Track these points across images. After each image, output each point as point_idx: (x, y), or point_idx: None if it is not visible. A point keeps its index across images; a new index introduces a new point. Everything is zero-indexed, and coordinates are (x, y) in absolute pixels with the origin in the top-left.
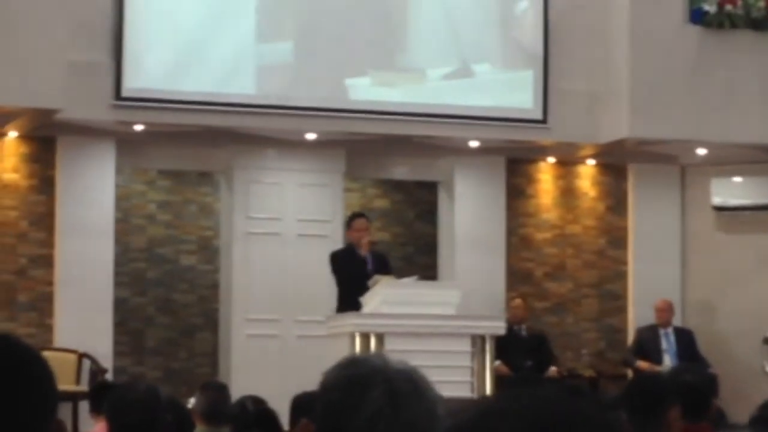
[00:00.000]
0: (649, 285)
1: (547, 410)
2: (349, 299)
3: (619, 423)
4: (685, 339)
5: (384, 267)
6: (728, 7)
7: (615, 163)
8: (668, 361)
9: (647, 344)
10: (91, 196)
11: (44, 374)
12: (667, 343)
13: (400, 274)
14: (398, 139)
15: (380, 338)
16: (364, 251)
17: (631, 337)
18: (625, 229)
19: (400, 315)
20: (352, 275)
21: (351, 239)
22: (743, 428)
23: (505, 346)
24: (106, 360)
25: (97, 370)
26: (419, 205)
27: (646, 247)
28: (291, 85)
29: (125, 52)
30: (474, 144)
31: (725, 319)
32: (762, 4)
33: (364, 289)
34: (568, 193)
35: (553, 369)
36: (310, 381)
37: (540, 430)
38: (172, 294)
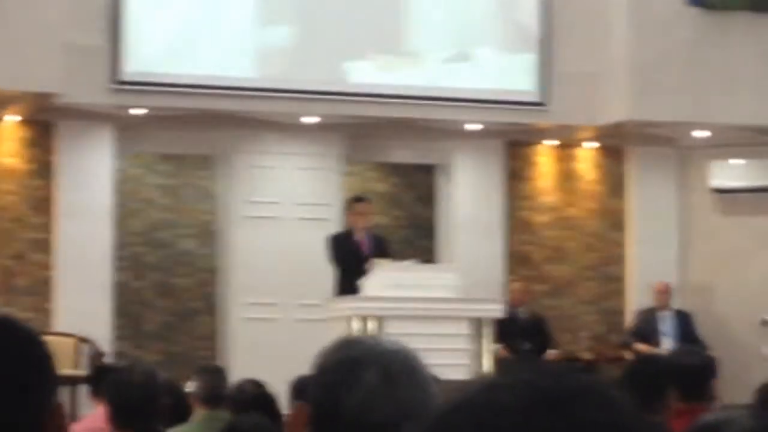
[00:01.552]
0: (647, 267)
1: (554, 383)
2: (347, 283)
3: (627, 401)
4: (684, 321)
5: (383, 250)
6: None
7: (614, 145)
8: (667, 344)
9: (646, 327)
10: (90, 181)
11: (43, 356)
12: (666, 325)
13: (399, 257)
14: (397, 122)
15: (379, 321)
16: (358, 235)
17: (629, 320)
18: (624, 212)
19: (399, 298)
20: (348, 259)
21: (350, 222)
22: (741, 409)
23: (504, 329)
24: (105, 344)
25: (96, 354)
26: (418, 189)
27: (645, 229)
28: (290, 69)
29: (124, 35)
30: (473, 127)
31: (724, 302)
32: None
33: (361, 272)
34: (567, 176)
35: (552, 352)
36: (309, 365)
37: (546, 402)
38: (171, 278)
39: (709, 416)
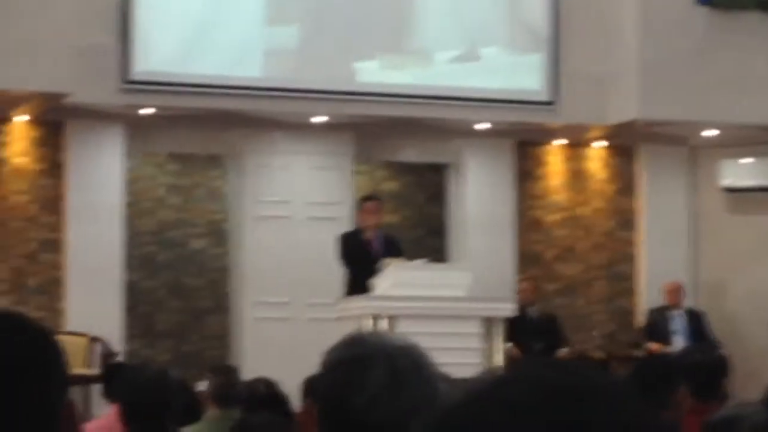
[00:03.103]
0: (658, 266)
1: (562, 378)
2: (357, 282)
3: (637, 398)
4: (696, 320)
5: (394, 250)
6: None
7: (624, 144)
8: (679, 343)
9: (658, 326)
10: (101, 180)
11: (55, 354)
12: (678, 324)
13: (410, 256)
14: (407, 121)
15: (390, 320)
16: (369, 234)
17: (640, 319)
18: (634, 211)
19: (410, 297)
20: (358, 258)
21: (360, 221)
22: (754, 404)
23: (515, 329)
24: (117, 344)
25: (107, 354)
26: (429, 188)
27: (655, 228)
28: (299, 68)
29: (134, 35)
30: (483, 126)
31: (736, 300)
32: None
33: (372, 271)
34: (577, 175)
35: (563, 351)
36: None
37: (554, 398)
38: (182, 277)
39: (722, 412)
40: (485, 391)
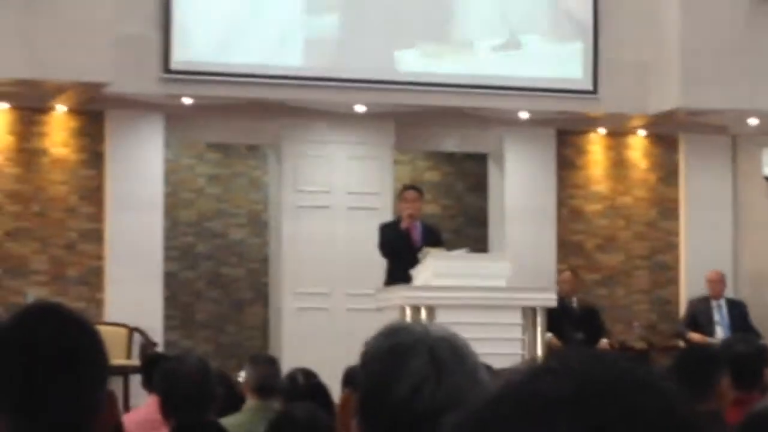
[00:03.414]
0: (700, 256)
1: (602, 370)
2: (398, 272)
3: (677, 390)
4: (738, 310)
5: (434, 240)
6: None
7: (666, 133)
8: (720, 333)
9: (699, 316)
10: (140, 170)
11: (95, 344)
12: (720, 314)
13: (450, 246)
14: (447, 110)
15: (430, 311)
16: (404, 223)
17: (682, 309)
18: (676, 200)
19: (451, 287)
20: (394, 247)
21: (401, 211)
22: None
23: (556, 319)
24: (157, 334)
25: (147, 344)
26: (469, 177)
27: (697, 218)
28: (339, 57)
29: (173, 25)
30: (524, 115)
31: None
32: None
33: (409, 261)
34: (618, 165)
35: (604, 341)
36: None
37: (594, 390)
38: (221, 268)
39: (764, 402)
40: (522, 384)
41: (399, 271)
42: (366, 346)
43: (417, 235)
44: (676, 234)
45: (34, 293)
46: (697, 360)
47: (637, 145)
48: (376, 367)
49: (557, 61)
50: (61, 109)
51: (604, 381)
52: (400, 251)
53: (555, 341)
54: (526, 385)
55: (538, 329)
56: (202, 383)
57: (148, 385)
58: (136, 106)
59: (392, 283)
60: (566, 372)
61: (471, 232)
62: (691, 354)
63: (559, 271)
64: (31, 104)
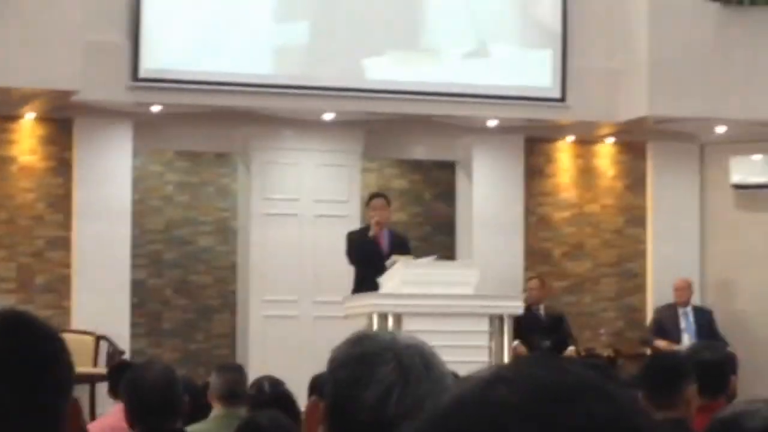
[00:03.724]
0: (667, 264)
1: (554, 377)
2: (366, 280)
3: (630, 397)
4: (705, 318)
5: (403, 247)
6: None
7: (634, 141)
8: (687, 341)
9: (666, 323)
10: (109, 178)
11: (60, 351)
12: (686, 322)
13: (418, 254)
14: (416, 118)
15: (398, 318)
16: (372, 231)
17: (649, 317)
18: (643, 208)
19: (418, 295)
20: (363, 255)
21: (369, 219)
22: (761, 401)
23: (523, 327)
24: (124, 342)
25: (114, 352)
26: (437, 185)
27: (665, 225)
28: (308, 65)
29: (142, 32)
30: (492, 123)
31: (744, 298)
32: None
33: (377, 269)
34: (586, 172)
35: (571, 349)
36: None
37: (546, 397)
38: (189, 275)
39: (729, 408)
40: (475, 391)
41: (367, 279)
42: (333, 353)
43: (385, 242)
44: (644, 242)
45: (0, 301)
46: (663, 368)
47: (605, 153)
48: (344, 375)
49: (526, 69)
50: (29, 116)
51: (556, 388)
52: (368, 259)
53: (522, 349)
54: (478, 393)
55: (505, 337)
56: (168, 391)
57: (115, 392)
58: (104, 113)
59: (361, 291)
60: (518, 380)
61: (439, 239)
62: (657, 362)
63: (527, 279)
64: None
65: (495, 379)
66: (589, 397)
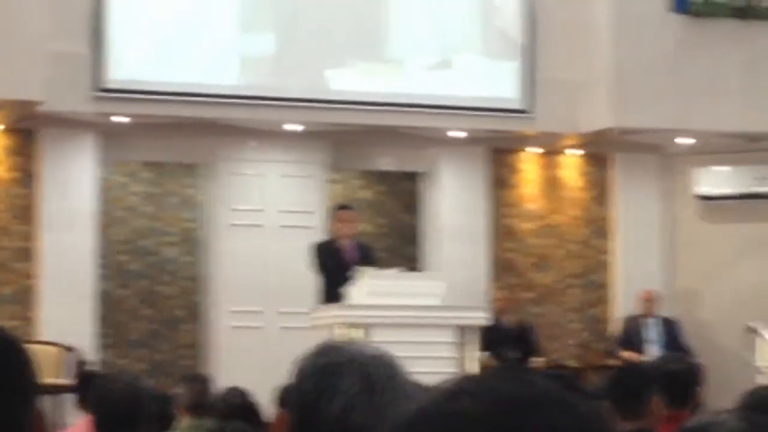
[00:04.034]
0: (633, 275)
1: (515, 389)
2: (331, 291)
3: (593, 409)
4: (671, 329)
5: (368, 258)
6: None
7: (598, 152)
8: (653, 351)
9: (632, 334)
10: (73, 189)
11: (23, 361)
12: (653, 332)
13: (384, 265)
14: (381, 129)
15: (364, 329)
16: (344, 243)
17: (615, 328)
18: (609, 219)
19: (384, 306)
20: (332, 267)
21: (334, 230)
22: (728, 412)
23: (490, 338)
24: (90, 353)
25: (80, 363)
26: (403, 196)
27: (630, 236)
28: (273, 76)
29: (106, 42)
30: (457, 134)
31: (710, 309)
32: None
33: (345, 280)
34: (551, 183)
35: (538, 360)
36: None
37: (508, 408)
38: (154, 286)
39: (696, 419)
40: (438, 404)
41: (333, 290)
42: (298, 364)
43: (351, 254)
44: (609, 253)
45: None
46: (629, 379)
47: (571, 164)
48: (309, 386)
49: (490, 79)
50: None
51: (519, 400)
52: (335, 270)
53: (490, 360)
54: (442, 404)
55: (471, 348)
56: (134, 402)
57: (82, 404)
58: (68, 124)
59: (327, 302)
60: (481, 392)
61: (404, 251)
62: (623, 373)
63: (494, 290)
64: None
65: (458, 391)
66: (552, 408)
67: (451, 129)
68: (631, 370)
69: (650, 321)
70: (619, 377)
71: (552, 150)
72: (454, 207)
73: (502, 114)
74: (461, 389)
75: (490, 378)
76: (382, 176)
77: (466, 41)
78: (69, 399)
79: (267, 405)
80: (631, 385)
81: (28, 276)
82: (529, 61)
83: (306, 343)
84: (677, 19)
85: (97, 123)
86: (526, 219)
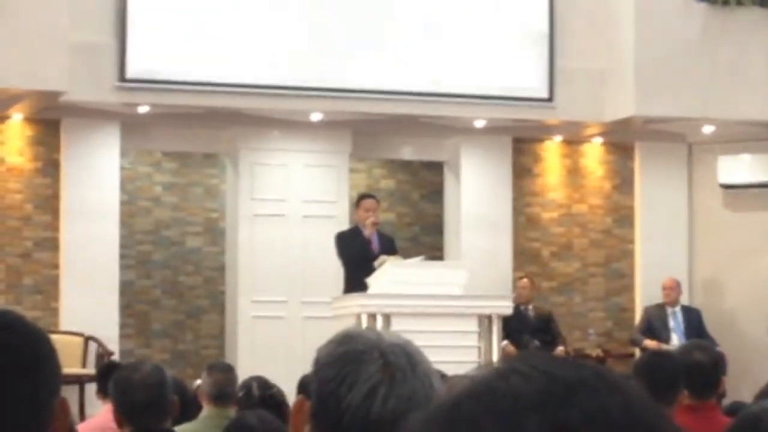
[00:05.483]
0: (656, 264)
1: (569, 370)
2: (355, 280)
3: (641, 390)
4: (693, 317)
5: (390, 248)
6: None
7: (621, 141)
8: (676, 340)
9: (655, 323)
10: (96, 179)
11: (47, 351)
12: (675, 321)
13: (406, 254)
14: (404, 119)
15: (387, 319)
16: (368, 232)
17: (638, 317)
18: (631, 208)
19: (407, 295)
20: (356, 256)
21: (357, 219)
22: (752, 404)
23: (512, 327)
24: (113, 343)
25: (103, 353)
26: (425, 185)
27: (652, 225)
28: (296, 66)
29: (130, 33)
30: (480, 123)
31: (733, 297)
32: None
33: (369, 269)
34: (574, 172)
35: (560, 349)
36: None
37: (563, 388)
38: (178, 276)
39: (752, 406)
40: (491, 383)
41: (357, 280)
42: (319, 352)
43: (375, 243)
44: (632, 241)
45: None
46: (655, 368)
47: (593, 152)
48: (329, 374)
49: (513, 69)
50: (16, 117)
51: (571, 381)
52: (360, 260)
53: (511, 348)
54: (492, 384)
55: (494, 337)
56: (157, 391)
57: (103, 393)
58: (92, 114)
59: (350, 291)
60: (533, 372)
61: (427, 240)
62: (649, 362)
63: (516, 279)
64: None
65: (508, 371)
66: (604, 390)
67: (473, 118)
68: (657, 358)
69: (673, 310)
70: (645, 366)
71: (575, 139)
72: (476, 196)
73: (524, 103)
74: (511, 369)
75: (538, 359)
76: (405, 165)
77: (488, 30)
78: (92, 389)
79: (290, 394)
80: (657, 374)
81: (52, 266)
82: (551, 50)
83: (328, 333)
84: (700, 7)
85: (120, 113)
86: (549, 208)
